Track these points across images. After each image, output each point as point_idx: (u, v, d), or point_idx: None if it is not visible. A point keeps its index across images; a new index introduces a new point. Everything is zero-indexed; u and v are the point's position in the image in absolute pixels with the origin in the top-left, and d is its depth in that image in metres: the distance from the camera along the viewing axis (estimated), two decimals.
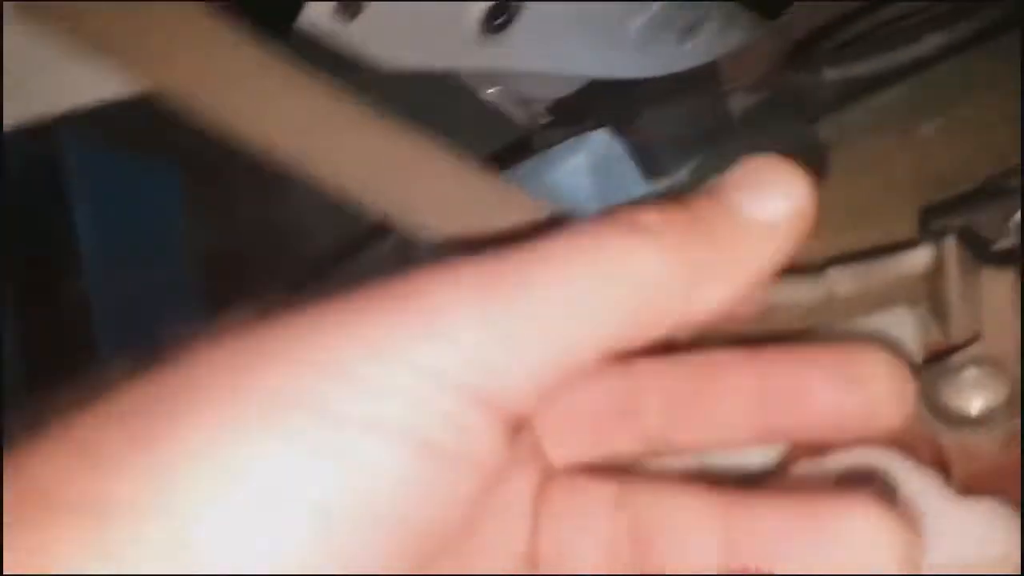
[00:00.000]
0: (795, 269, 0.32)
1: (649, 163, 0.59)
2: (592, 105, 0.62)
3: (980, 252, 0.26)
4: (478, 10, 0.47)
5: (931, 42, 0.48)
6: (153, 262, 0.72)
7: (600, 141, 0.58)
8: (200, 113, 0.22)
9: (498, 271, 0.18)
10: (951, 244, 0.27)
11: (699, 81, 0.60)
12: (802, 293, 0.30)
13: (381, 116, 0.23)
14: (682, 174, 0.57)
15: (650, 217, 0.18)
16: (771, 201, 0.19)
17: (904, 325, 0.29)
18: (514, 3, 0.47)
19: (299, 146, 0.22)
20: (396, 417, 0.16)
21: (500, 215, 0.23)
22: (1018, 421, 0.25)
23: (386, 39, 0.45)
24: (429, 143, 0.23)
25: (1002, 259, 0.25)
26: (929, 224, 0.28)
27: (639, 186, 0.56)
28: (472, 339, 0.17)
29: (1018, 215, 0.26)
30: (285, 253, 0.77)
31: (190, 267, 0.74)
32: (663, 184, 0.57)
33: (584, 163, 0.57)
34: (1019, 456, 0.25)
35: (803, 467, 0.28)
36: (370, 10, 0.42)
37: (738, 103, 0.61)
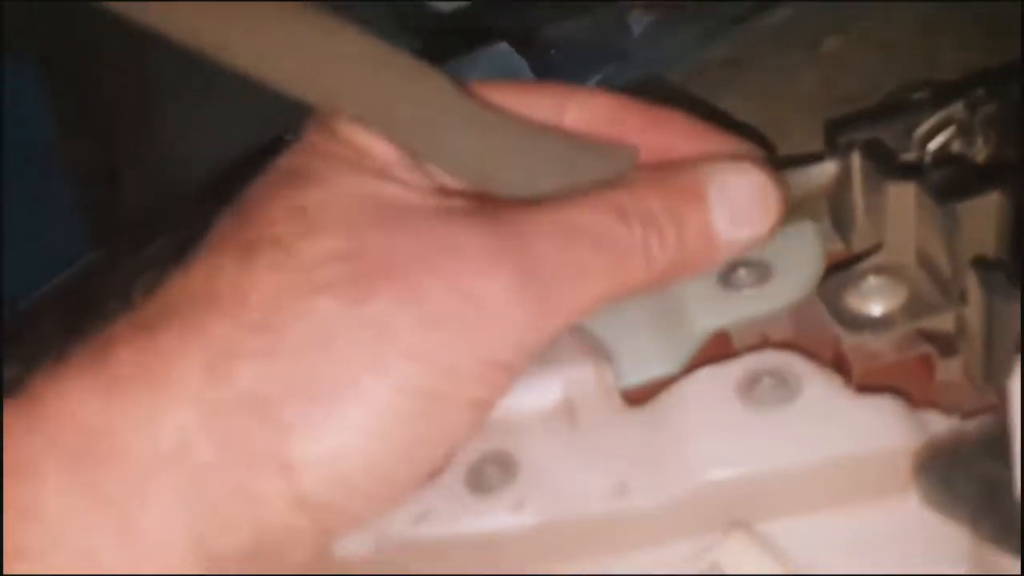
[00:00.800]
0: None
1: (549, 79, 0.58)
2: (492, 18, 0.61)
3: (885, 165, 0.27)
4: None
5: None
6: (22, 173, 0.68)
7: (501, 54, 0.57)
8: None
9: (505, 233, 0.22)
10: (856, 157, 0.28)
11: None
12: None
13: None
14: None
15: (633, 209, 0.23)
16: (745, 229, 0.24)
17: (808, 236, 0.30)
18: None
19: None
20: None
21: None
22: (912, 326, 0.26)
23: None
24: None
25: (905, 171, 0.27)
26: (835, 138, 0.29)
27: None
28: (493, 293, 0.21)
29: (921, 128, 0.27)
30: (163, 172, 0.74)
31: (64, 180, 0.70)
32: None
33: (484, 77, 0.56)
34: (915, 357, 0.26)
35: (708, 371, 0.29)
36: None
37: (637, 20, 0.61)
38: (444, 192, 0.24)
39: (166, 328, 0.22)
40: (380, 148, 0.24)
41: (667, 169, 0.24)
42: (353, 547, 0.29)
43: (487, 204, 0.23)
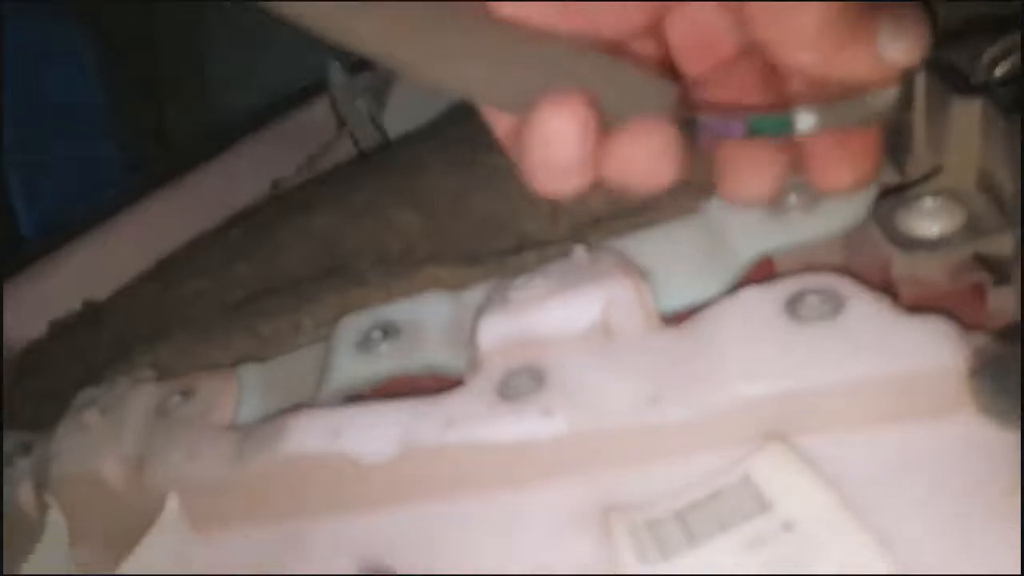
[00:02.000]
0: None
1: None
2: None
3: (951, 83, 0.26)
4: None
5: None
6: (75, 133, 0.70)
7: None
8: None
9: None
10: (921, 76, 0.27)
11: None
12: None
13: None
14: None
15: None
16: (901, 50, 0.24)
17: None
18: None
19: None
20: None
21: None
22: (969, 248, 0.25)
23: None
24: None
25: (972, 89, 0.26)
26: None
27: None
28: None
29: (988, 54, 0.27)
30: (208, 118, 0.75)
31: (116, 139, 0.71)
32: None
33: None
34: (966, 285, 0.26)
35: (752, 290, 0.28)
36: None
37: None
38: None
39: None
40: None
41: None
42: (379, 451, 0.29)
43: None
